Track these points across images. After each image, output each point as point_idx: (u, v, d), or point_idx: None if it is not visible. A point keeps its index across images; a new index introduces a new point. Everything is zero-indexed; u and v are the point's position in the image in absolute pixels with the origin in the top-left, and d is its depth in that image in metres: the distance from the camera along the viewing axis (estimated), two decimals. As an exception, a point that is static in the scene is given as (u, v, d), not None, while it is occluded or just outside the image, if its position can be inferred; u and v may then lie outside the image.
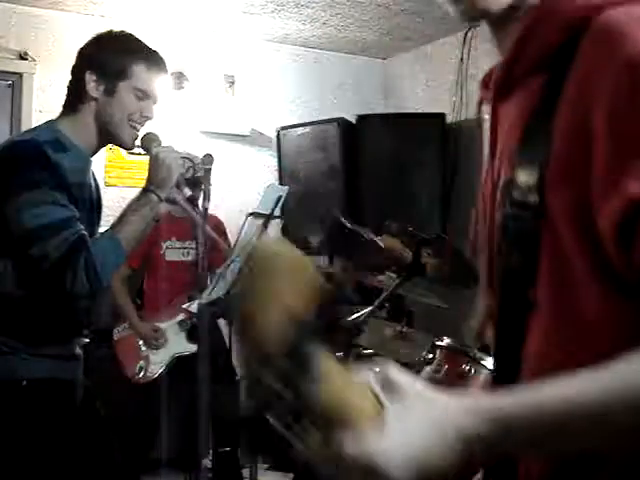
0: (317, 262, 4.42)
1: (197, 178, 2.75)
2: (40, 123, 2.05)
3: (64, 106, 2.03)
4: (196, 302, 2.68)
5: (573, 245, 0.77)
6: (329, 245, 3.83)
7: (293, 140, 4.68)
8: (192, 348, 3.48)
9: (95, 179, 2.12)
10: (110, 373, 3.60)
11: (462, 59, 4.48)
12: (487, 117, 0.96)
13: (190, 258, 3.73)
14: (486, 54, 4.21)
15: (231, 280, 2.46)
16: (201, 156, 2.77)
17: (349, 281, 3.31)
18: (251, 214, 2.67)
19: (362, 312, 2.65)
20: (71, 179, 1.89)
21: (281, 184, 4.48)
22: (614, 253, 0.74)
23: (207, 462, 3.58)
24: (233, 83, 4.79)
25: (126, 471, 2.16)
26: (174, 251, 3.84)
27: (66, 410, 1.95)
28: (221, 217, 3.92)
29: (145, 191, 2.00)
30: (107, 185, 4.28)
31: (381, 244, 2.68)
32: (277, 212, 2.63)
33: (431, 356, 2.27)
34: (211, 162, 2.72)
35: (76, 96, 2.00)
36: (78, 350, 2.05)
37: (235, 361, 3.44)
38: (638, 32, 0.74)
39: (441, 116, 4.49)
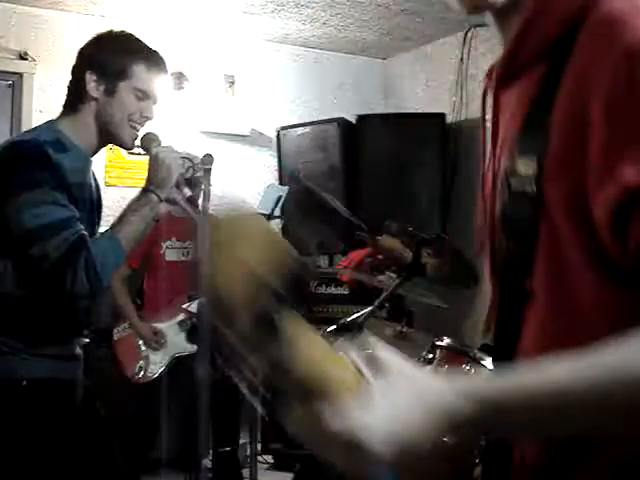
0: (317, 262, 4.43)
1: (197, 178, 2.75)
2: (40, 123, 2.05)
3: (64, 106, 2.03)
4: (196, 302, 2.68)
5: (569, 235, 0.78)
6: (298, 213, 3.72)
7: (293, 140, 4.68)
8: (192, 348, 3.49)
9: (95, 179, 2.12)
10: (110, 373, 3.60)
11: (462, 59, 4.48)
12: (489, 107, 0.96)
13: (190, 258, 3.73)
14: (486, 54, 4.22)
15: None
16: (201, 156, 2.77)
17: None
18: (251, 214, 2.67)
19: (362, 312, 2.64)
20: (71, 179, 1.89)
21: (281, 184, 4.48)
22: (609, 241, 0.74)
23: (207, 462, 3.59)
24: (233, 83, 4.79)
25: (126, 471, 2.16)
26: (174, 251, 3.84)
27: (66, 410, 1.95)
28: (221, 217, 3.92)
29: (145, 191, 2.00)
30: (107, 185, 4.28)
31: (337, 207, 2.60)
32: (277, 212, 2.63)
33: (431, 356, 2.26)
34: (211, 162, 2.72)
35: (76, 96, 2.00)
36: (78, 350, 2.05)
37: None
38: (637, 21, 0.74)
39: (441, 116, 4.49)
